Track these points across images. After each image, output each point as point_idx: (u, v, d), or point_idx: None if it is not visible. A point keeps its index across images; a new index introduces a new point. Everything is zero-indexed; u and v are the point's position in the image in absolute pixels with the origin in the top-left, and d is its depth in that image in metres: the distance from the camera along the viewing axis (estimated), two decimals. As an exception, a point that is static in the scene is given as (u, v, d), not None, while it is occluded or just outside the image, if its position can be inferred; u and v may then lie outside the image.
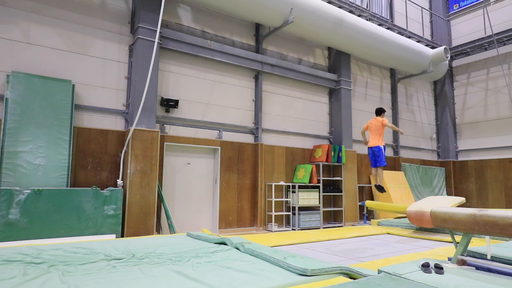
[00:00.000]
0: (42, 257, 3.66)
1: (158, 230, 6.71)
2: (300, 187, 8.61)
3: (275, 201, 8.29)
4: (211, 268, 3.40)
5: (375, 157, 7.23)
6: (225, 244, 4.65)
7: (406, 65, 10.91)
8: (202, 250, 4.24)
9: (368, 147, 7.41)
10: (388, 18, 11.94)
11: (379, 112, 7.48)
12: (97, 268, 3.33)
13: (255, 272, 3.22)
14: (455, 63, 13.23)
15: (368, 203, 8.66)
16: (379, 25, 10.53)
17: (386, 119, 7.37)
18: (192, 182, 7.55)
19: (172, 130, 7.23)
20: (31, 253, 3.80)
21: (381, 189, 7.34)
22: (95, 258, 3.70)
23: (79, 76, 6.36)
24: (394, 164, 11.38)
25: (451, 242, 5.48)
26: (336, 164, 9.27)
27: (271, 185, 8.24)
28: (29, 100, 5.61)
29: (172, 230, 6.55)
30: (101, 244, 4.51)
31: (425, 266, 3.26)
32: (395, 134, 11.62)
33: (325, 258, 4.65)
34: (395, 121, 11.68)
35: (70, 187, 5.81)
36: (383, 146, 7.19)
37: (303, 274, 3.14)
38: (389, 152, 11.47)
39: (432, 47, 11.84)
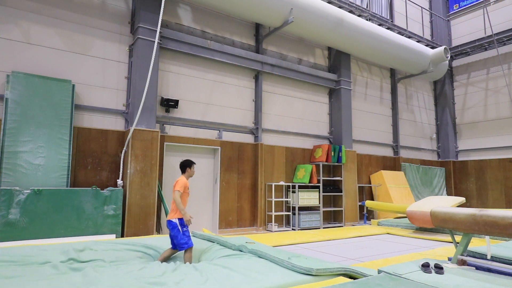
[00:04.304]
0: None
1: (158, 230, 6.71)
2: (300, 187, 8.61)
3: (275, 201, 8.28)
4: (212, 268, 3.40)
5: (171, 237, 4.25)
6: (228, 244, 4.65)
7: (406, 65, 10.90)
8: (205, 250, 4.24)
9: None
10: (388, 18, 11.93)
11: (183, 167, 4.37)
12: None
13: (259, 271, 3.22)
14: (455, 63, 13.23)
15: (368, 203, 8.67)
16: (379, 25, 10.52)
17: (183, 181, 4.21)
18: (192, 182, 7.53)
19: (172, 130, 7.22)
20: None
21: None
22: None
23: (79, 76, 6.35)
24: (394, 164, 11.38)
25: (451, 242, 5.48)
26: (336, 164, 9.27)
27: (271, 185, 8.23)
28: (29, 100, 5.60)
29: (172, 230, 6.54)
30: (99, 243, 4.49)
31: (425, 266, 3.26)
32: (395, 134, 11.61)
33: (325, 258, 4.65)
34: (395, 121, 11.68)
35: (70, 187, 5.81)
36: (178, 220, 4.22)
37: (308, 273, 3.15)
38: (389, 152, 11.47)
39: (432, 47, 11.83)
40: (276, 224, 8.20)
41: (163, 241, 4.67)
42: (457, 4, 13.33)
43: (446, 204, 6.69)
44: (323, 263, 3.44)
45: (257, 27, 8.77)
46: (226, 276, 3.08)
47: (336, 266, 3.29)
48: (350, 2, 9.96)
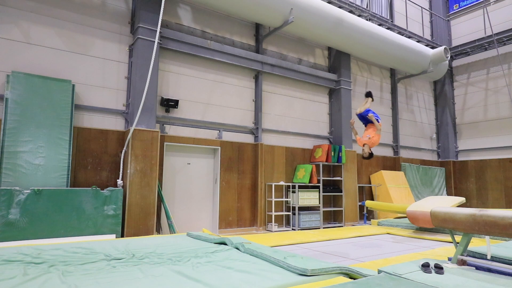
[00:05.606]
0: (42, 257, 3.66)
1: (158, 230, 6.71)
2: (300, 187, 8.61)
3: (275, 201, 8.28)
4: (211, 268, 3.40)
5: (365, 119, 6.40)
6: (225, 244, 4.65)
7: (406, 65, 10.91)
8: (202, 250, 4.24)
9: (357, 114, 6.63)
10: (388, 18, 11.93)
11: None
12: (97, 268, 3.33)
13: (255, 272, 3.22)
14: (455, 63, 13.23)
15: (368, 203, 8.67)
16: (379, 25, 10.53)
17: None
18: (192, 182, 7.54)
19: (172, 130, 7.23)
20: (31, 253, 3.80)
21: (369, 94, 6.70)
22: (95, 258, 3.70)
23: (79, 76, 6.35)
24: (394, 164, 11.38)
25: (451, 242, 5.48)
26: (336, 164, 9.27)
27: (271, 185, 8.23)
28: (29, 100, 5.60)
29: (172, 230, 6.55)
30: (101, 244, 4.51)
31: (425, 266, 3.27)
32: (395, 134, 11.61)
33: (325, 258, 4.65)
34: (395, 121, 11.68)
35: (70, 187, 5.81)
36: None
37: (303, 274, 3.14)
38: (389, 152, 11.47)
39: (432, 47, 11.83)
40: (276, 224, 8.20)
41: (156, 242, 4.67)
42: (457, 4, 13.33)
43: (446, 204, 6.69)
44: (319, 263, 3.43)
45: (257, 27, 8.78)
46: (220, 277, 3.08)
47: (331, 266, 3.29)
48: (350, 2, 9.96)
